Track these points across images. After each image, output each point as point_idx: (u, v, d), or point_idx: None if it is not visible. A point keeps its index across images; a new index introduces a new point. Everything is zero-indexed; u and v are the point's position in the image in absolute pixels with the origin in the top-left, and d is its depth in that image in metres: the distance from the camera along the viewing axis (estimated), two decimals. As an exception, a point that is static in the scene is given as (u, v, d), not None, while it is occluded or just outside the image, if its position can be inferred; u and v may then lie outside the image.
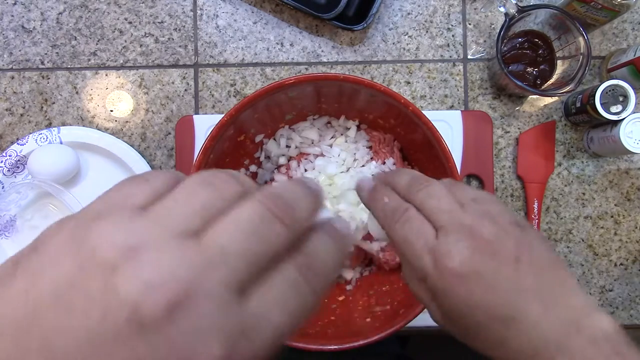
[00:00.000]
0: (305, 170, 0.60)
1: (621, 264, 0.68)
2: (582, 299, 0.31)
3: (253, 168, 0.62)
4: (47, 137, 0.65)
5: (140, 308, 0.16)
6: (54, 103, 0.68)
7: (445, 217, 0.32)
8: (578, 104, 0.64)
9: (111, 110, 0.68)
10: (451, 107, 0.69)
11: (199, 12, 0.69)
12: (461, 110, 0.67)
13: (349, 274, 0.62)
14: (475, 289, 0.30)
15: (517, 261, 0.31)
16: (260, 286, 0.19)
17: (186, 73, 0.69)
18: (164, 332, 0.16)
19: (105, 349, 0.16)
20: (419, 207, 0.34)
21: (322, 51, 0.69)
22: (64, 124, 0.68)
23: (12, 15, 0.69)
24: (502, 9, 0.61)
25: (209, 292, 0.17)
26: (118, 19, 0.69)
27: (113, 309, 0.16)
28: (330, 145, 0.61)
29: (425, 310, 0.50)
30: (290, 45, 0.69)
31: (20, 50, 0.69)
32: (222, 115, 0.52)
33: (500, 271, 0.30)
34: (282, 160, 0.62)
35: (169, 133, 0.68)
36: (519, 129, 0.69)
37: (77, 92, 0.68)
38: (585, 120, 0.65)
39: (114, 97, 0.69)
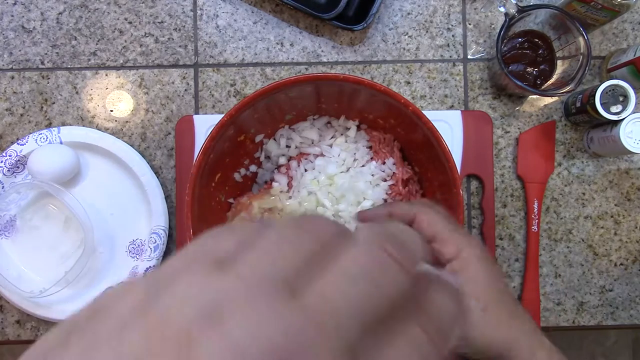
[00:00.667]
0: (306, 170, 0.60)
1: (621, 264, 0.68)
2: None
3: (253, 168, 0.62)
4: (47, 137, 0.65)
5: None
6: (54, 103, 0.68)
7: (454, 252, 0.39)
8: (578, 104, 0.64)
9: (111, 110, 0.68)
10: (451, 107, 0.69)
11: (199, 12, 0.69)
12: (461, 110, 0.67)
13: None
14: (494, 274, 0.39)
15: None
16: (380, 351, 0.15)
17: (186, 73, 0.69)
18: None
19: None
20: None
21: (322, 51, 0.69)
22: (64, 124, 0.68)
23: (12, 15, 0.69)
24: (502, 9, 0.61)
25: None
26: (118, 19, 0.69)
27: None
28: (330, 145, 0.61)
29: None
30: (290, 45, 0.69)
31: (20, 50, 0.69)
32: (222, 115, 0.52)
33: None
34: (282, 160, 0.62)
35: (169, 133, 0.68)
36: (519, 129, 0.69)
37: (77, 92, 0.68)
38: (585, 120, 0.65)
39: (114, 97, 0.69)
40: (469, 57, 0.69)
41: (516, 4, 0.60)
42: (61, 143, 0.65)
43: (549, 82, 0.65)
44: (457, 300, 0.18)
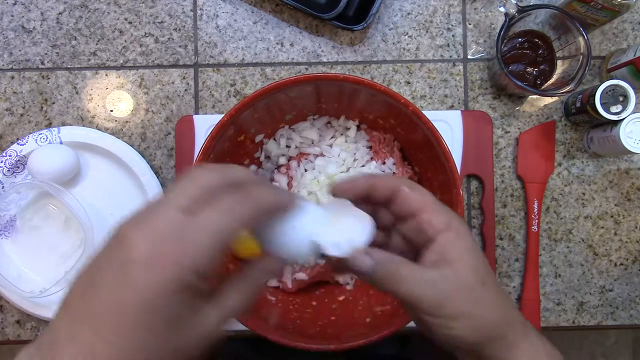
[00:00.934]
0: (306, 170, 0.60)
1: (621, 264, 0.68)
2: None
3: (253, 168, 0.62)
4: (47, 137, 0.65)
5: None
6: (54, 103, 0.68)
7: (444, 225, 0.36)
8: (578, 104, 0.64)
9: (111, 110, 0.68)
10: (451, 107, 0.69)
11: (199, 12, 0.69)
12: (461, 110, 0.67)
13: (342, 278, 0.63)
14: (476, 261, 0.35)
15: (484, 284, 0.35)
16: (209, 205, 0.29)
17: (186, 73, 0.69)
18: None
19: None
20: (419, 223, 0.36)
21: (322, 51, 0.69)
22: (64, 124, 0.68)
23: (12, 15, 0.69)
24: (502, 9, 0.61)
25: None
26: (118, 19, 0.69)
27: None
28: (330, 145, 0.61)
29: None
30: (290, 45, 0.69)
31: (20, 50, 0.69)
32: (222, 115, 0.52)
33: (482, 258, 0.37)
34: (282, 160, 0.62)
35: (169, 133, 0.68)
36: (519, 129, 0.69)
37: (77, 92, 0.68)
38: (585, 120, 0.65)
39: (114, 97, 0.69)
40: (469, 57, 0.69)
41: (516, 4, 0.60)
42: (61, 143, 0.65)
43: (549, 82, 0.66)
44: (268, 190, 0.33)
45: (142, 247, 0.27)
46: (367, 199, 0.37)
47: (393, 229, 0.38)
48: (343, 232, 0.35)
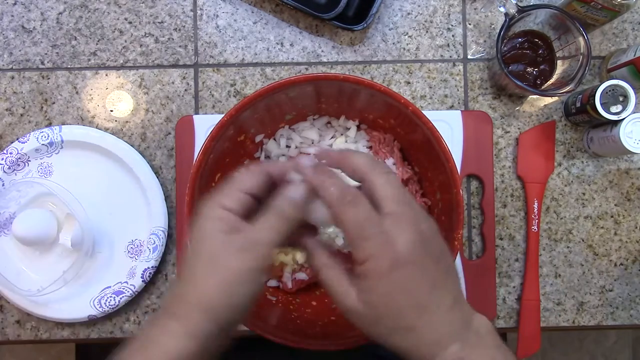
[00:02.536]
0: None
1: (621, 264, 0.68)
2: (467, 303, 0.38)
3: (253, 168, 0.62)
4: (48, 136, 0.65)
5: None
6: (54, 103, 0.68)
7: (399, 207, 0.36)
8: (578, 104, 0.64)
9: (111, 110, 0.68)
10: (451, 107, 0.69)
11: (199, 12, 0.69)
12: (461, 110, 0.67)
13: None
14: (408, 274, 0.35)
15: (437, 262, 0.36)
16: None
17: (186, 73, 0.69)
18: None
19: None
20: (376, 190, 0.36)
21: (322, 51, 0.69)
22: (64, 124, 0.68)
23: (12, 15, 0.69)
24: (502, 9, 0.61)
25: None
26: (118, 19, 0.69)
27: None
28: (330, 145, 0.61)
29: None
30: (290, 45, 0.69)
31: (20, 50, 0.69)
32: (222, 115, 0.52)
33: (427, 265, 0.35)
34: (282, 160, 0.62)
35: (169, 133, 0.68)
36: (519, 129, 0.69)
37: (77, 92, 0.69)
38: (585, 120, 0.65)
39: (114, 97, 0.69)
40: (469, 57, 0.69)
41: (516, 4, 0.60)
42: (62, 141, 0.65)
43: (549, 82, 0.66)
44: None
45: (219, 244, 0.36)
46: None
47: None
48: None
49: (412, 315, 0.35)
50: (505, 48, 0.66)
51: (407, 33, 0.69)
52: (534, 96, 0.68)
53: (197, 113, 0.68)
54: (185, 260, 0.38)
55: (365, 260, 0.35)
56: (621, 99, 0.61)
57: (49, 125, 0.68)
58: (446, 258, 0.37)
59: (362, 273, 0.35)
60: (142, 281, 0.64)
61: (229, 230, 0.36)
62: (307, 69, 0.69)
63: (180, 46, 0.69)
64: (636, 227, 0.68)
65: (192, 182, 0.51)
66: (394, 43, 0.69)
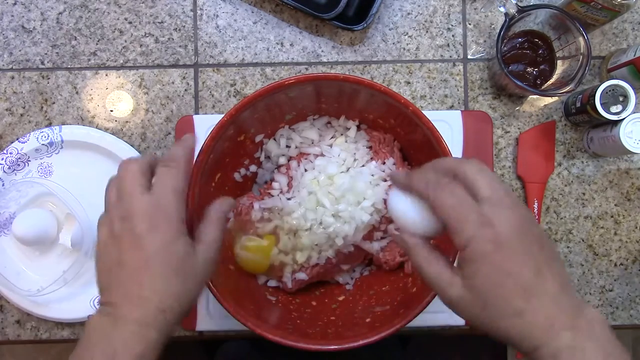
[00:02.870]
0: (306, 170, 0.60)
1: (621, 264, 0.68)
2: (577, 295, 0.37)
3: (253, 168, 0.62)
4: (48, 135, 0.65)
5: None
6: (54, 103, 0.68)
7: (494, 193, 0.36)
8: (578, 104, 0.64)
9: (111, 110, 0.68)
10: (451, 107, 0.69)
11: (199, 12, 0.69)
12: (461, 110, 0.67)
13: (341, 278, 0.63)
14: (511, 256, 0.34)
15: (541, 247, 0.35)
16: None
17: (186, 73, 0.69)
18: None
19: None
20: (468, 180, 0.37)
21: (322, 51, 0.69)
22: (64, 124, 0.68)
23: (12, 15, 0.69)
24: (502, 9, 0.61)
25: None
26: (118, 19, 0.69)
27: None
28: (330, 145, 0.61)
29: (426, 310, 0.50)
30: (290, 45, 0.69)
31: (20, 50, 0.69)
32: (222, 115, 0.52)
33: (531, 249, 0.35)
34: (282, 160, 0.62)
35: (169, 133, 0.68)
36: (519, 129, 0.69)
37: (77, 92, 0.69)
38: (585, 120, 0.65)
39: (114, 97, 0.69)
40: (469, 57, 0.69)
41: (516, 4, 0.60)
42: (62, 141, 0.65)
43: (549, 82, 0.66)
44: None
45: (140, 223, 0.40)
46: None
47: None
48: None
49: (520, 299, 0.34)
50: (505, 48, 0.66)
51: (407, 33, 0.69)
52: (534, 96, 0.68)
53: (197, 113, 0.68)
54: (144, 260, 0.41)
55: (466, 244, 0.35)
56: (621, 99, 0.61)
57: (49, 125, 0.68)
58: (550, 245, 0.37)
59: (465, 258, 0.36)
60: (142, 281, 0.64)
61: (189, 242, 0.43)
62: (307, 69, 0.69)
63: (180, 46, 0.69)
64: (636, 227, 0.68)
65: (192, 182, 0.51)
66: (394, 43, 0.69)
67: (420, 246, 0.40)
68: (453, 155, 0.52)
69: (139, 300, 0.39)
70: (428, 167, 0.41)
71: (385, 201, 0.58)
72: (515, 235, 0.35)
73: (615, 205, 0.68)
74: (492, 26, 0.69)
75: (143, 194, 0.41)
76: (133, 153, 0.65)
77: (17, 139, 0.65)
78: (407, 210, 0.41)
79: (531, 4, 0.67)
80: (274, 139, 0.62)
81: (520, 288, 0.34)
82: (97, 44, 0.69)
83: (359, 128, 0.62)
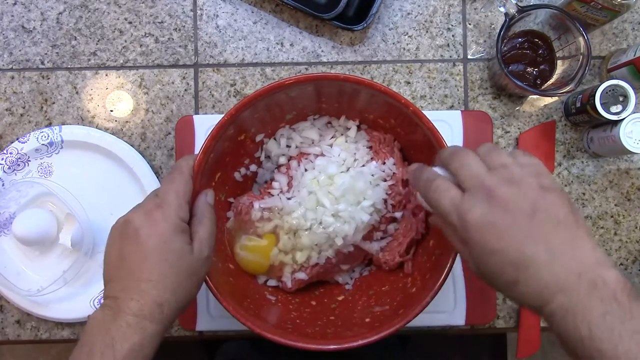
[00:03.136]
0: (306, 170, 0.60)
1: (621, 264, 0.68)
2: (594, 255, 0.36)
3: (253, 167, 0.62)
4: (48, 135, 0.65)
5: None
6: (54, 103, 0.68)
7: (472, 181, 0.40)
8: (578, 104, 0.64)
9: (111, 110, 0.68)
10: (451, 107, 0.69)
11: (199, 12, 0.69)
12: (461, 110, 0.67)
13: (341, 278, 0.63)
14: (489, 237, 0.37)
15: (531, 217, 0.37)
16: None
17: (186, 73, 0.69)
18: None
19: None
20: (453, 174, 0.42)
21: (322, 51, 0.69)
22: (64, 124, 0.68)
23: (12, 15, 0.69)
24: (502, 9, 0.61)
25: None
26: (118, 19, 0.69)
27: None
28: (331, 145, 0.61)
29: (426, 310, 0.50)
30: (290, 45, 0.69)
31: (20, 50, 0.69)
32: (222, 115, 0.52)
33: (513, 224, 0.37)
34: (283, 160, 0.62)
35: (169, 133, 0.68)
36: (519, 129, 0.69)
37: (77, 92, 0.69)
38: (585, 120, 0.65)
39: (114, 97, 0.69)
40: (469, 57, 0.69)
41: (516, 4, 0.60)
42: (62, 141, 0.65)
43: (549, 82, 0.66)
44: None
45: (140, 219, 0.45)
46: None
47: None
48: None
49: (511, 271, 0.37)
50: (505, 48, 0.66)
51: (407, 33, 0.69)
52: (534, 96, 0.68)
53: (197, 113, 0.68)
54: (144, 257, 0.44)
55: (455, 232, 0.40)
56: (621, 99, 0.61)
57: (49, 125, 0.68)
58: (548, 209, 0.37)
59: (462, 242, 0.41)
60: (142, 281, 0.64)
61: (187, 240, 0.46)
62: (307, 69, 0.69)
63: (180, 46, 0.69)
64: (636, 227, 0.68)
65: (192, 181, 0.51)
66: (394, 43, 0.69)
67: (445, 226, 0.44)
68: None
69: (137, 294, 0.42)
70: (435, 160, 0.46)
71: (385, 201, 0.58)
72: (492, 215, 0.38)
73: (615, 205, 0.68)
74: (492, 26, 0.69)
75: (150, 199, 0.47)
76: (133, 153, 0.65)
77: (17, 139, 0.65)
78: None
79: (531, 4, 0.67)
80: (274, 139, 0.62)
81: (506, 263, 0.37)
82: (97, 44, 0.69)
83: (359, 128, 0.62)
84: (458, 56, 0.69)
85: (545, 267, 0.36)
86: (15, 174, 0.66)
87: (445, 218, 0.41)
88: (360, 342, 0.50)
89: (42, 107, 0.68)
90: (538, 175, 0.39)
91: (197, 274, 0.46)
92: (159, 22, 0.69)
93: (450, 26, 0.69)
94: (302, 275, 0.59)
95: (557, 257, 0.36)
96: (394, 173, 0.59)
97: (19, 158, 0.65)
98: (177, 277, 0.44)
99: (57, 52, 0.69)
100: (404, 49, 0.69)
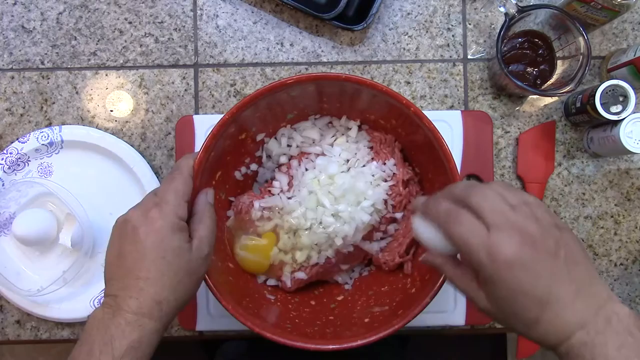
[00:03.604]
0: (306, 170, 0.60)
1: (621, 264, 0.68)
2: (606, 291, 0.38)
3: (254, 167, 0.62)
4: (48, 135, 0.65)
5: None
6: (54, 103, 0.68)
7: (497, 217, 0.38)
8: (578, 104, 0.64)
9: (111, 110, 0.68)
10: (451, 107, 0.69)
11: (199, 12, 0.69)
12: (461, 110, 0.67)
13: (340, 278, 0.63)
14: (521, 275, 0.36)
15: (555, 256, 0.37)
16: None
17: (186, 73, 0.69)
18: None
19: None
20: (474, 208, 0.39)
21: (322, 51, 0.69)
22: (64, 124, 0.68)
23: (12, 15, 0.69)
24: (502, 9, 0.61)
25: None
26: (118, 19, 0.69)
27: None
28: (332, 145, 0.61)
29: (425, 310, 0.50)
30: (290, 45, 0.69)
31: (20, 50, 0.69)
32: (222, 115, 0.52)
33: (541, 262, 0.37)
34: (283, 159, 0.62)
35: (169, 133, 0.68)
36: (519, 129, 0.69)
37: (77, 92, 0.69)
38: (585, 120, 0.65)
39: (114, 97, 0.69)
40: (469, 57, 0.69)
41: (516, 4, 0.60)
42: (62, 141, 0.65)
43: (549, 82, 0.66)
44: None
45: (138, 218, 0.45)
46: None
47: None
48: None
49: (535, 310, 0.37)
50: (505, 48, 0.66)
51: (407, 33, 0.69)
52: (534, 96, 0.68)
53: (197, 113, 0.68)
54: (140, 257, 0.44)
55: (478, 269, 0.38)
56: (621, 99, 0.61)
57: (49, 125, 0.68)
58: (567, 247, 0.38)
59: (481, 280, 0.39)
60: (142, 281, 0.64)
61: (186, 239, 0.46)
62: (307, 69, 0.69)
63: (180, 46, 0.69)
64: (636, 227, 0.68)
65: (193, 179, 0.51)
66: (394, 43, 0.69)
67: (447, 265, 0.43)
68: (454, 157, 0.52)
69: (136, 292, 0.42)
70: (443, 195, 0.43)
71: (385, 201, 0.58)
72: (521, 256, 0.36)
73: (615, 205, 0.68)
74: (492, 26, 0.69)
75: (149, 197, 0.47)
76: (133, 153, 0.65)
77: (17, 139, 0.65)
78: (431, 234, 0.43)
79: (531, 4, 0.67)
80: (275, 138, 0.62)
81: (534, 302, 0.37)
82: (97, 44, 0.69)
83: (360, 128, 0.62)
84: (458, 56, 0.69)
85: (570, 305, 0.37)
86: (15, 174, 0.66)
87: (468, 255, 0.38)
88: (360, 342, 0.50)
89: (42, 107, 0.68)
90: (552, 215, 0.40)
91: (196, 273, 0.46)
92: (159, 22, 0.69)
93: (450, 26, 0.69)
94: (301, 275, 0.59)
95: (578, 295, 0.37)
96: (394, 173, 0.59)
97: (19, 158, 0.65)
98: (176, 275, 0.44)
99: (57, 52, 0.69)
100: (404, 49, 0.69)
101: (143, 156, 0.66)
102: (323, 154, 0.60)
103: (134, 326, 0.41)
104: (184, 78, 0.69)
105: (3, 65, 0.69)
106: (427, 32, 0.69)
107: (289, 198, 0.58)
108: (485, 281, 0.38)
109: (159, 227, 0.44)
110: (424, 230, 0.43)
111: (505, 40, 0.65)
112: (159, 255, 0.43)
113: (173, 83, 0.69)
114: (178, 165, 0.49)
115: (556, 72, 0.66)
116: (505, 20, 0.61)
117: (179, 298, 0.44)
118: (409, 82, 0.69)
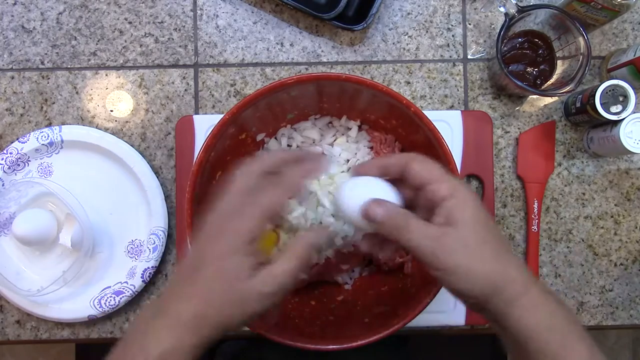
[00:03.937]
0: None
1: (621, 264, 0.68)
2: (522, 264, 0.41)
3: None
4: (48, 136, 0.65)
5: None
6: (54, 103, 0.68)
7: (449, 191, 0.40)
8: (578, 104, 0.64)
9: (111, 110, 0.68)
10: (451, 107, 0.69)
11: (199, 12, 0.69)
12: (461, 110, 0.67)
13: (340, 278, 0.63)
14: (483, 225, 0.40)
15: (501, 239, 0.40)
16: None
17: (186, 73, 0.69)
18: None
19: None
20: (408, 175, 0.42)
21: (322, 51, 0.69)
22: (64, 124, 0.68)
23: (12, 15, 0.69)
24: (502, 9, 0.61)
25: None
26: (118, 19, 0.69)
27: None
28: (332, 145, 0.61)
29: (425, 310, 0.50)
30: (290, 45, 0.69)
31: (20, 50, 0.69)
32: (222, 115, 0.52)
33: (492, 236, 0.40)
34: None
35: (169, 133, 0.68)
36: (519, 129, 0.69)
37: (77, 92, 0.69)
38: (585, 120, 0.65)
39: (114, 97, 0.69)
40: (469, 57, 0.69)
41: (516, 4, 0.60)
42: (62, 141, 0.65)
43: (549, 82, 0.66)
44: None
45: (211, 231, 0.41)
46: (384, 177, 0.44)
47: (417, 203, 0.43)
48: (379, 196, 0.42)
49: (495, 257, 0.39)
50: (505, 48, 0.66)
51: (407, 33, 0.69)
52: (534, 96, 0.68)
53: (197, 113, 0.68)
54: (195, 267, 0.41)
55: (451, 194, 0.40)
56: (621, 99, 0.61)
57: (49, 125, 0.68)
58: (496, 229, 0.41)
59: (448, 205, 0.40)
60: (142, 281, 0.64)
61: (249, 265, 0.40)
62: (307, 69, 0.69)
63: (180, 46, 0.69)
64: (636, 227, 0.68)
65: (193, 179, 0.51)
66: (394, 43, 0.69)
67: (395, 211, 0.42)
68: (454, 157, 0.52)
69: (183, 298, 0.40)
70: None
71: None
72: (479, 217, 0.39)
73: (615, 205, 0.68)
74: (492, 26, 0.69)
75: (237, 195, 0.43)
76: (133, 153, 0.65)
77: (17, 139, 0.65)
78: (370, 191, 0.42)
79: (531, 4, 0.67)
80: (275, 138, 0.62)
81: (493, 251, 0.39)
82: (97, 44, 0.69)
83: (360, 128, 0.62)
84: (458, 56, 0.69)
85: (521, 267, 0.40)
86: (15, 174, 0.66)
87: (434, 184, 0.41)
88: (359, 342, 0.50)
89: (42, 107, 0.68)
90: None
91: (245, 304, 0.40)
92: (159, 22, 0.69)
93: (450, 26, 0.69)
94: (301, 275, 0.59)
95: (523, 265, 0.42)
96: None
97: (19, 158, 0.65)
98: (222, 298, 0.40)
99: (57, 52, 0.69)
100: (404, 49, 0.69)
101: (143, 156, 0.66)
102: (323, 154, 0.60)
103: (169, 333, 0.39)
104: (184, 78, 0.69)
105: (3, 65, 0.69)
106: (427, 32, 0.69)
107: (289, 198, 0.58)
108: (454, 205, 0.39)
109: (221, 244, 0.40)
110: (363, 188, 0.43)
111: (505, 40, 0.65)
112: (213, 272, 0.40)
113: (173, 83, 0.69)
114: (286, 180, 0.43)
115: (556, 72, 0.66)
116: (505, 20, 0.61)
117: (220, 321, 0.40)
118: (409, 82, 0.69)
